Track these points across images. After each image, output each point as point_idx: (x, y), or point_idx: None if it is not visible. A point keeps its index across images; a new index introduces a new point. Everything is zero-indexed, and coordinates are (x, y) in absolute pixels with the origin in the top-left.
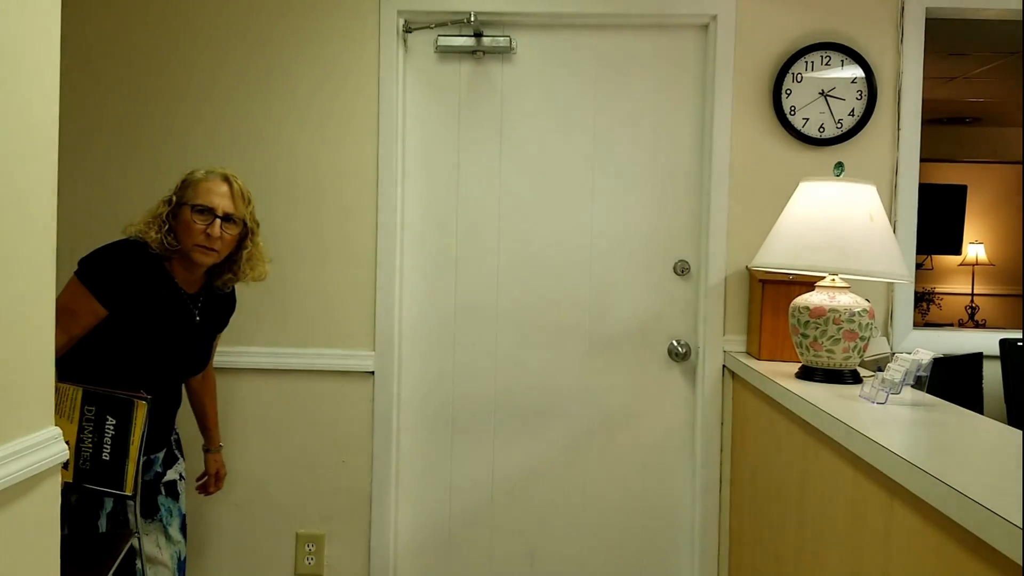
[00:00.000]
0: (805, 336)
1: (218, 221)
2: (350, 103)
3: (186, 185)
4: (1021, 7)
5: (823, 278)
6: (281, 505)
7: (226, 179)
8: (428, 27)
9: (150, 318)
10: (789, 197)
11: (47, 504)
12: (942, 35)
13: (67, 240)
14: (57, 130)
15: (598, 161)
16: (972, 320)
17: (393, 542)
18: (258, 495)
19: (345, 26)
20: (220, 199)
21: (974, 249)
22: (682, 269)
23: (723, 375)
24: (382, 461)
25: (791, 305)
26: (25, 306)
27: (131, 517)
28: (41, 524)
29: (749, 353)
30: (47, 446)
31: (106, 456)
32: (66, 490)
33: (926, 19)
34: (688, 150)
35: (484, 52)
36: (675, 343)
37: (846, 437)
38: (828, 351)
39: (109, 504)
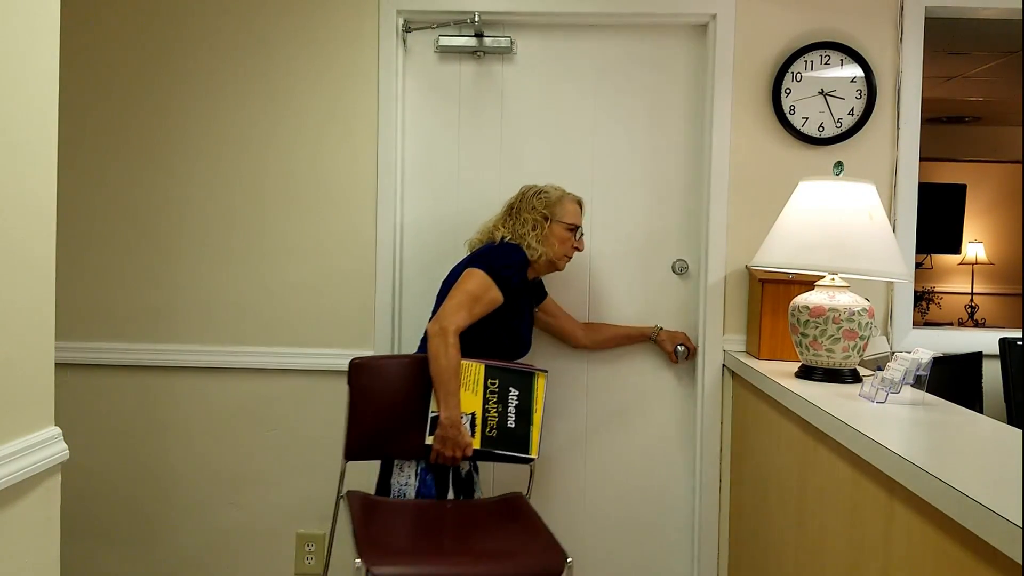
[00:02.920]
0: (805, 335)
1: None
2: (350, 103)
3: (551, 204)
4: (1021, 7)
5: (823, 277)
6: (281, 505)
7: (579, 201)
8: (428, 27)
9: (519, 308)
10: (788, 196)
11: (47, 504)
12: (942, 34)
13: (67, 239)
14: (57, 130)
15: (597, 160)
16: (972, 319)
17: None
18: (258, 495)
19: (345, 26)
20: (581, 217)
21: (973, 248)
22: (681, 268)
23: (723, 374)
24: None
25: (791, 304)
26: (25, 306)
27: (529, 480)
28: (41, 524)
29: (749, 352)
30: (47, 446)
31: (511, 424)
32: (474, 457)
33: (925, 18)
34: (687, 149)
35: (484, 52)
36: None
37: (846, 436)
38: (828, 350)
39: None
